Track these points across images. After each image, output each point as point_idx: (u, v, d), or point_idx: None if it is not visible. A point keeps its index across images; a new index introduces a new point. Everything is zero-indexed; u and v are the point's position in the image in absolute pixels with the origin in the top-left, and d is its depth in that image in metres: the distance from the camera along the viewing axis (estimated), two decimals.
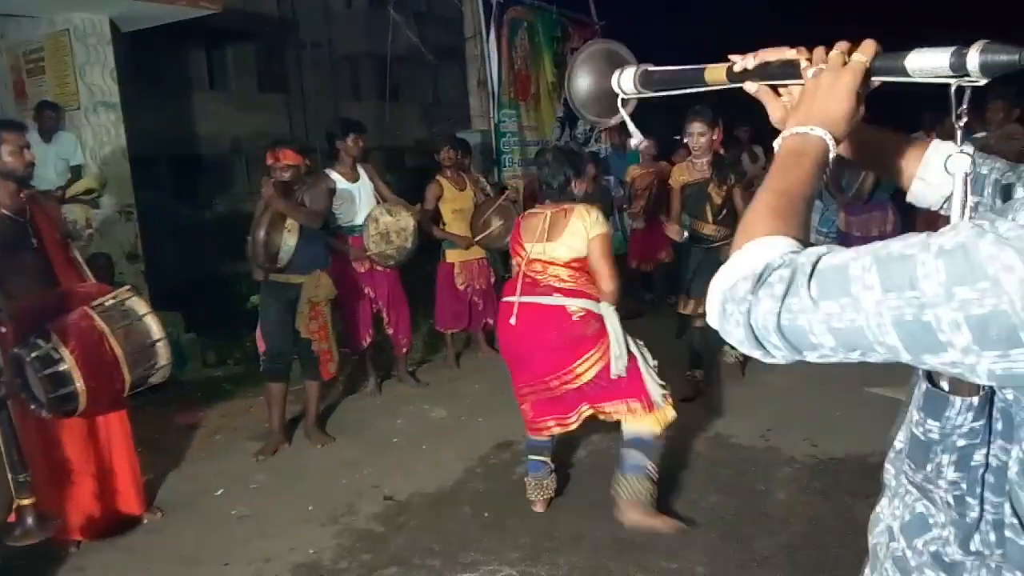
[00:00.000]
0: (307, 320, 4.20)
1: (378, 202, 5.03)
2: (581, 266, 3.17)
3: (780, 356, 0.80)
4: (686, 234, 4.69)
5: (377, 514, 3.45)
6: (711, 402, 4.62)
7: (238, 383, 5.47)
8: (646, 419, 3.14)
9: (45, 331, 2.97)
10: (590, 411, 3.25)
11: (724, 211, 4.54)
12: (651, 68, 1.40)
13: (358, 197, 5.00)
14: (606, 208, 5.36)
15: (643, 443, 3.13)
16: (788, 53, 1.10)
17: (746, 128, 7.85)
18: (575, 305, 3.12)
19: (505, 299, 3.30)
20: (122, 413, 3.38)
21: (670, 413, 3.20)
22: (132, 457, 3.43)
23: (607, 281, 3.12)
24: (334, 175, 4.92)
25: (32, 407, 2.99)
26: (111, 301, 3.20)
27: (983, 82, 0.94)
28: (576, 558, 2.98)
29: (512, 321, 3.19)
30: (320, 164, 5.80)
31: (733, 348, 4.49)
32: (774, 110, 1.12)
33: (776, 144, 0.99)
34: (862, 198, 5.29)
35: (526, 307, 3.18)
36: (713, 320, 0.84)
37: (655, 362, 3.26)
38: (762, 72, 1.16)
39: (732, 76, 1.24)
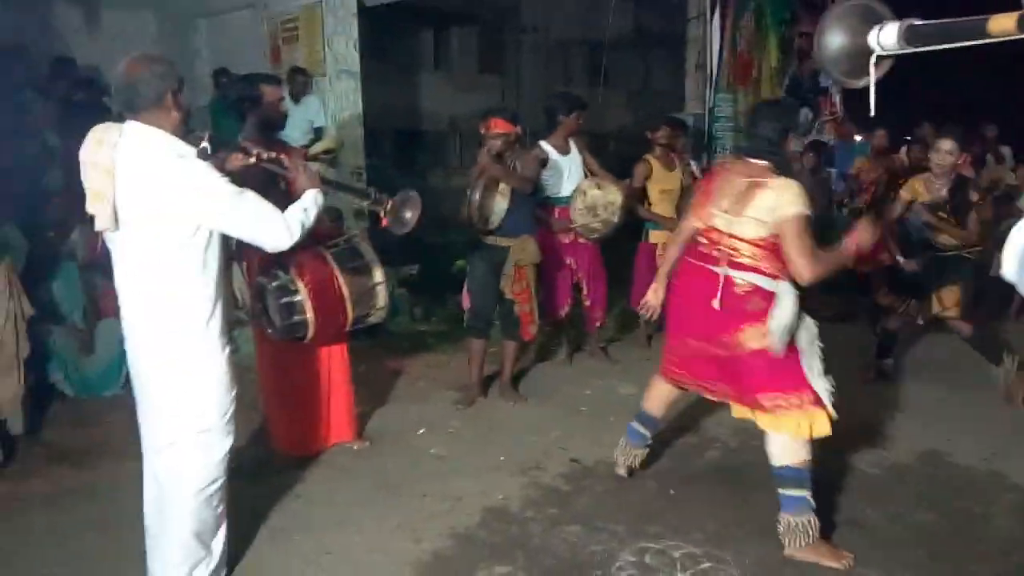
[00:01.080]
0: (511, 282, 4.35)
1: (587, 176, 5.09)
2: (768, 246, 2.85)
3: None
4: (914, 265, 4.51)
5: (563, 474, 3.53)
6: (929, 412, 4.25)
7: (440, 339, 5.79)
8: (794, 419, 2.79)
9: (284, 264, 3.31)
10: (738, 400, 3.02)
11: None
12: (918, 22, 1.31)
13: (567, 170, 5.08)
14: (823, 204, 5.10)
15: (793, 473, 2.82)
16: None
17: (993, 127, 7.08)
18: (741, 278, 2.88)
19: (685, 258, 3.14)
20: (343, 347, 3.70)
21: (825, 424, 2.80)
22: (349, 388, 3.75)
23: (800, 266, 2.76)
24: (547, 147, 5.04)
25: (268, 331, 3.36)
26: (343, 243, 3.52)
27: None
28: (763, 548, 2.88)
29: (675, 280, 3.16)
30: (529, 140, 5.96)
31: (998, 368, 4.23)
32: None
33: None
34: None
35: (694, 268, 3.04)
36: (1011, 274, 0.81)
37: (823, 368, 2.89)
38: None
39: None
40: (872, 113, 1.48)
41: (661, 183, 5.45)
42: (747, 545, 2.91)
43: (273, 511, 3.15)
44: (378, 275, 3.50)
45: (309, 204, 2.57)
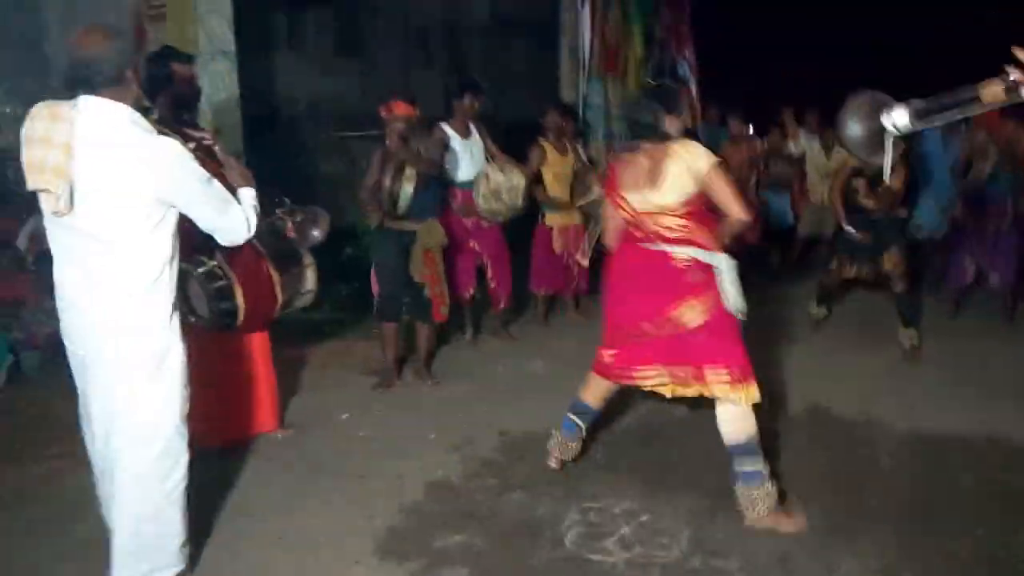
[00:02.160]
0: (420, 265, 4.40)
1: (488, 160, 5.21)
2: (691, 211, 2.97)
3: None
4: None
5: (495, 447, 3.66)
6: (809, 370, 4.73)
7: (336, 326, 5.72)
8: (735, 392, 2.95)
9: (209, 249, 3.20)
10: (683, 381, 3.07)
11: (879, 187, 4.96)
12: (919, 103, 1.54)
13: (469, 153, 5.19)
14: None
15: (747, 448, 2.97)
16: None
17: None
18: (681, 253, 2.97)
19: (621, 246, 3.19)
20: (265, 334, 3.63)
21: (756, 392, 2.98)
22: (272, 377, 3.69)
23: (736, 209, 2.92)
24: (448, 130, 5.12)
25: (192, 320, 3.24)
26: (267, 224, 3.43)
27: None
28: (692, 499, 3.14)
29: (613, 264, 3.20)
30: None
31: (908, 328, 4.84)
32: None
33: None
34: (979, 187, 5.32)
35: (631, 250, 3.12)
36: None
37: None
38: None
39: (1013, 92, 1.32)
40: (886, 178, 1.75)
41: (554, 167, 5.65)
42: (677, 496, 3.16)
43: (213, 502, 3.06)
44: (306, 257, 3.46)
45: (254, 201, 2.51)
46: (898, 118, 1.52)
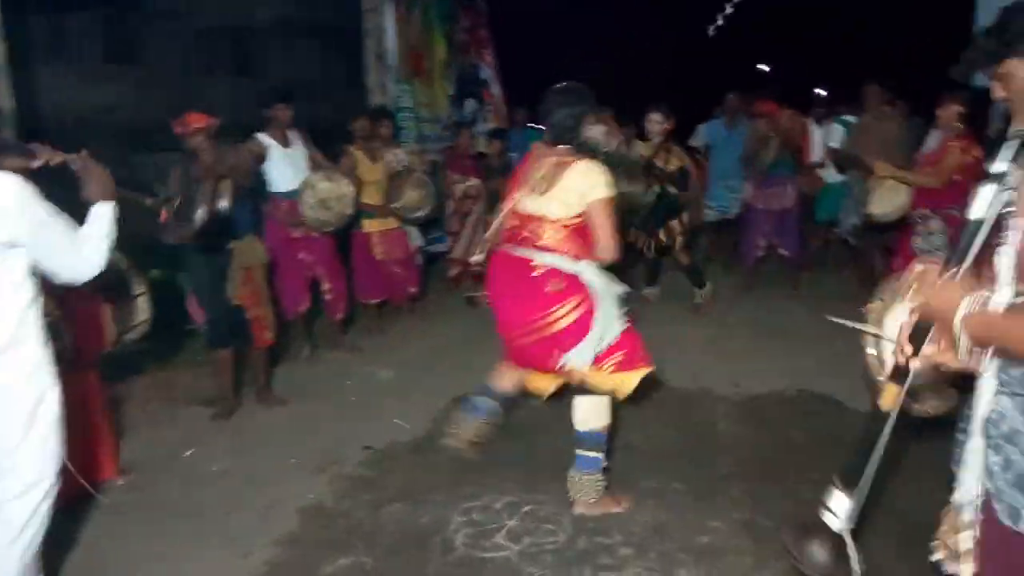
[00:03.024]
0: (239, 286, 4.14)
1: (312, 169, 5.04)
2: (573, 227, 2.97)
3: None
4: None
5: (363, 462, 3.57)
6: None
7: (146, 357, 5.20)
8: (589, 410, 3.07)
9: None
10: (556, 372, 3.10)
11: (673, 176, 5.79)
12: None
13: (291, 162, 4.99)
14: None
15: (595, 437, 3.08)
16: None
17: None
18: (540, 259, 2.97)
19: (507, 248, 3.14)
20: (96, 373, 3.29)
21: (631, 382, 3.08)
22: (106, 419, 3.35)
23: (609, 247, 2.95)
24: (266, 140, 4.90)
25: None
26: None
27: None
28: (564, 484, 3.23)
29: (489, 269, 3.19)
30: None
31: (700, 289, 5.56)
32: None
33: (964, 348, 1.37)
34: (763, 171, 5.95)
35: (500, 255, 3.14)
36: None
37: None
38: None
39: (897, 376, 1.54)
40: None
41: (366, 174, 5.51)
42: (552, 484, 3.25)
43: (63, 568, 2.73)
44: (138, 285, 3.17)
45: (109, 225, 2.25)
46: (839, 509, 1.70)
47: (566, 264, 2.97)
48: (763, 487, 3.20)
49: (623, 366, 3.04)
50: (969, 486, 1.49)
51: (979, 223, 1.40)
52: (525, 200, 3.06)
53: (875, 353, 1.98)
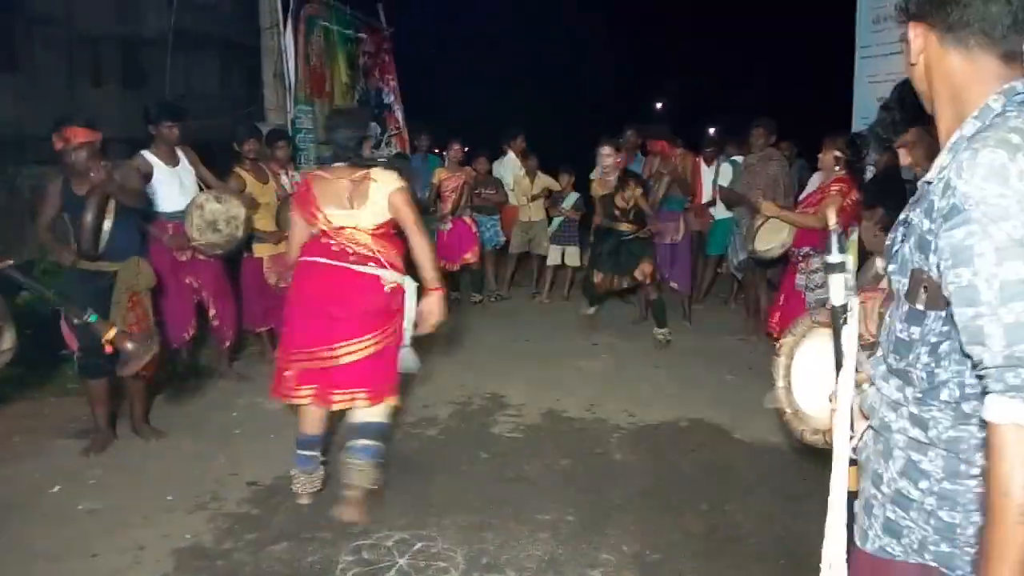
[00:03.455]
0: (124, 311, 3.90)
1: (201, 189, 4.83)
2: (384, 233, 3.20)
3: None
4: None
5: (246, 498, 3.40)
6: (540, 380, 5.06)
7: (11, 385, 4.86)
8: (380, 408, 3.26)
9: None
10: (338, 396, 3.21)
11: (631, 213, 5.84)
12: None
13: (177, 182, 4.77)
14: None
15: (380, 428, 3.29)
16: None
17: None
18: (389, 276, 3.17)
19: (309, 258, 3.20)
20: None
21: (393, 401, 3.35)
22: None
23: (416, 230, 3.19)
24: (151, 158, 4.67)
25: None
26: None
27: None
28: (459, 518, 3.20)
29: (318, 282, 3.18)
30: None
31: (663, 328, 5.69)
32: None
33: None
34: (655, 207, 6.12)
35: (337, 271, 3.14)
36: None
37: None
38: None
39: None
40: None
41: (257, 197, 5.29)
42: (444, 519, 3.20)
43: None
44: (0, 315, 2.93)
45: None
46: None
47: (387, 274, 3.19)
48: (653, 519, 3.24)
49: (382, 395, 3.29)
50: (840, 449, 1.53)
51: (843, 307, 1.47)
52: (340, 215, 3.17)
53: (783, 385, 2.04)
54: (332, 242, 3.16)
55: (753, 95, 17.69)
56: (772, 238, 4.98)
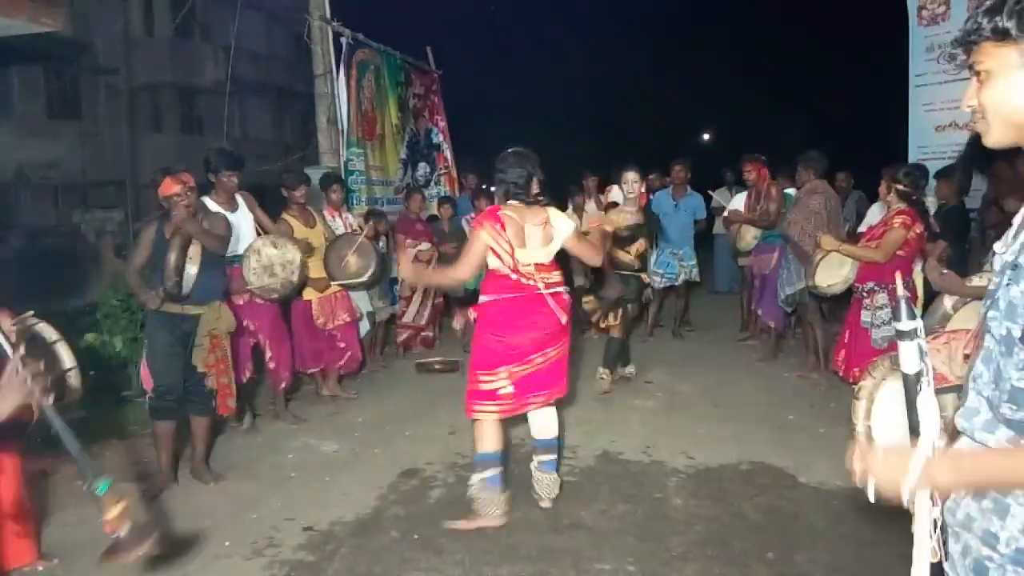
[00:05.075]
0: (206, 353, 4.01)
1: (259, 233, 4.93)
2: (556, 263, 3.66)
3: None
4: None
5: (303, 544, 3.38)
6: (591, 422, 4.97)
7: (81, 427, 4.97)
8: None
9: None
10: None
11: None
12: None
13: (237, 227, 4.87)
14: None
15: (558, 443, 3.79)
16: None
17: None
18: (567, 293, 3.67)
19: (519, 295, 3.50)
20: (15, 448, 3.08)
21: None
22: (24, 501, 3.11)
23: (595, 257, 3.85)
24: (212, 205, 4.78)
25: None
26: (16, 326, 2.93)
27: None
28: (517, 568, 3.13)
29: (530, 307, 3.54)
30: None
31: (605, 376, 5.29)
32: None
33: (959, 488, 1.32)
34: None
35: (518, 300, 3.51)
36: None
37: None
38: None
39: None
40: None
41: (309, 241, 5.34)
42: (500, 568, 3.13)
43: None
44: (67, 359, 3.00)
45: None
46: None
47: (566, 290, 3.65)
48: (718, 567, 3.12)
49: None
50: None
51: (918, 375, 1.39)
52: (535, 254, 3.53)
53: (863, 431, 1.94)
54: (532, 276, 3.51)
55: (806, 124, 17.48)
56: (834, 273, 4.85)
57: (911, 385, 1.37)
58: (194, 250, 3.90)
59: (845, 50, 19.74)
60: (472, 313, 6.42)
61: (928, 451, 1.33)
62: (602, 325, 5.81)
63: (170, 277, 3.77)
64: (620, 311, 5.66)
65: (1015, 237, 1.30)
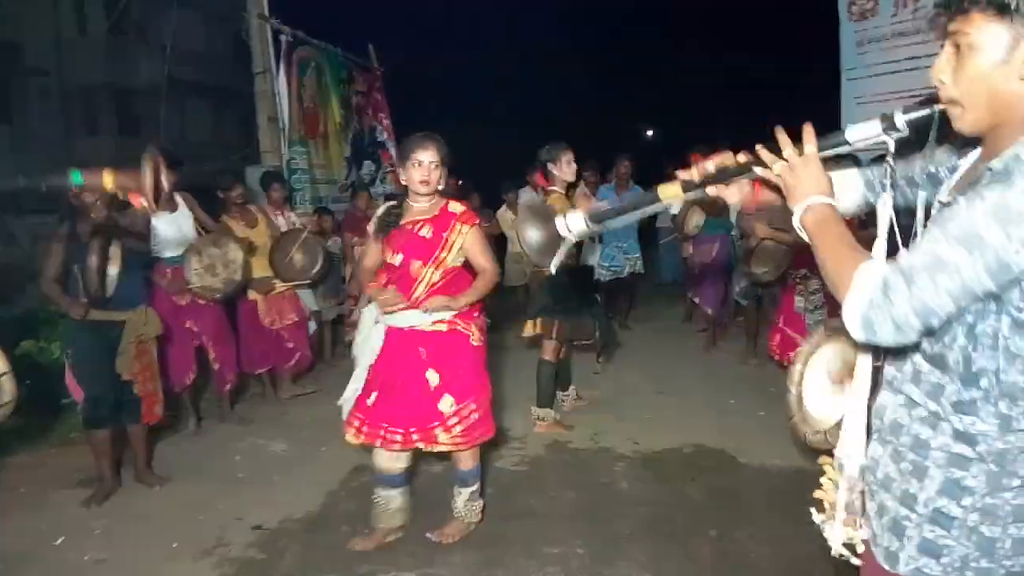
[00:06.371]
0: (131, 360, 3.91)
1: (200, 233, 4.86)
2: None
3: (914, 334, 1.20)
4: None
5: (252, 543, 3.37)
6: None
7: (13, 436, 4.83)
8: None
9: None
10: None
11: None
12: (600, 206, 1.72)
13: (177, 228, 4.80)
14: None
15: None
16: (738, 157, 1.51)
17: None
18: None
19: None
20: None
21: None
22: None
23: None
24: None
25: None
26: None
27: (906, 133, 1.39)
28: (468, 556, 3.17)
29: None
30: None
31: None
32: (732, 196, 1.60)
33: (798, 222, 1.40)
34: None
35: None
36: (859, 334, 1.22)
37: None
38: (721, 176, 1.53)
39: (688, 187, 1.56)
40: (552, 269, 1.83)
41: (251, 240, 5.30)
42: (452, 556, 3.17)
43: None
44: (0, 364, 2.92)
45: None
46: (573, 222, 1.67)
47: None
48: (662, 548, 3.21)
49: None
50: (852, 441, 1.52)
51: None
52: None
53: (796, 392, 2.03)
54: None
55: (743, 118, 17.86)
56: (768, 261, 5.01)
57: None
58: (114, 251, 3.80)
59: (780, 46, 20.25)
60: None
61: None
62: (524, 333, 4.76)
63: (92, 280, 3.67)
64: (556, 322, 4.58)
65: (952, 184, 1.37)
